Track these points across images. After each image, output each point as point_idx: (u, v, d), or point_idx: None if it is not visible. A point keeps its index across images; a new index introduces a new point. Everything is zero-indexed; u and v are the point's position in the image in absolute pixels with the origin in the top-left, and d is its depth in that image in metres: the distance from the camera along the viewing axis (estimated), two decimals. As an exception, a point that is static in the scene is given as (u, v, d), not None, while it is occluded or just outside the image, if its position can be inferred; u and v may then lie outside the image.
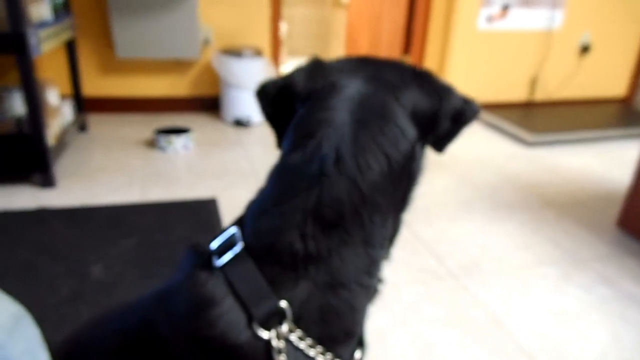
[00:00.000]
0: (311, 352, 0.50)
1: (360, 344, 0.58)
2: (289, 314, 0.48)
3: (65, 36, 2.41)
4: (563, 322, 1.50)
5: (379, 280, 0.57)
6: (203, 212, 2.00)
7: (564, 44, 3.63)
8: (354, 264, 0.51)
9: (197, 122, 3.12)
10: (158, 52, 2.95)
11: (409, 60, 3.62)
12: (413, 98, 0.54)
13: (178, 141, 2.64)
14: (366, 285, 0.53)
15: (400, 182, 0.54)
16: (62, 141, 2.29)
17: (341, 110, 0.52)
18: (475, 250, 1.86)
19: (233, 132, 3.02)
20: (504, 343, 1.40)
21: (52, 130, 2.16)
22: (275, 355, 0.48)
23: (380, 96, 0.53)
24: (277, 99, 0.59)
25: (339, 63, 0.58)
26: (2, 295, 0.48)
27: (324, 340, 0.51)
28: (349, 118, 0.52)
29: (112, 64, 3.07)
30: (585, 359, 1.36)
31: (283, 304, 0.48)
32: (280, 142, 0.62)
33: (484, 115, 3.48)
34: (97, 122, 3.00)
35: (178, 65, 3.18)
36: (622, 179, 2.62)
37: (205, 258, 0.52)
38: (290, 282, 0.49)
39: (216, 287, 0.49)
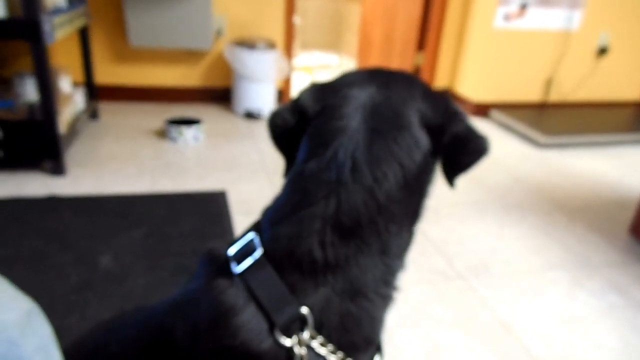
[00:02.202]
0: (332, 359, 0.49)
1: (379, 350, 0.58)
2: (310, 320, 0.48)
3: (79, 23, 2.41)
4: (572, 328, 1.48)
5: (395, 289, 0.56)
6: (212, 204, 2.00)
7: (582, 45, 3.57)
8: (371, 272, 0.51)
9: (208, 113, 3.11)
10: (170, 41, 2.95)
11: (423, 57, 3.59)
12: (424, 109, 0.54)
13: (188, 132, 2.64)
14: (384, 294, 0.53)
15: (414, 193, 0.54)
16: (74, 129, 2.29)
17: (355, 118, 0.52)
18: (484, 252, 1.85)
19: (244, 125, 3.01)
20: (512, 347, 1.39)
21: (64, 117, 2.17)
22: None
23: (394, 104, 0.53)
24: (287, 125, 0.58)
25: (348, 77, 0.58)
26: (14, 291, 0.48)
27: (345, 347, 0.50)
28: (363, 126, 0.52)
29: (125, 53, 3.07)
30: (593, 367, 1.35)
31: (304, 310, 0.48)
32: (288, 170, 0.62)
33: (497, 115, 3.44)
34: (109, 110, 3.01)
35: (190, 56, 3.17)
36: (636, 184, 2.58)
37: (223, 264, 0.52)
38: (310, 289, 0.49)
39: (237, 295, 0.49)
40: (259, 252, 0.51)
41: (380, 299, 0.52)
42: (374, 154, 0.51)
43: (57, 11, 2.07)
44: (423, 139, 0.53)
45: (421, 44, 3.59)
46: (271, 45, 3.03)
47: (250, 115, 3.09)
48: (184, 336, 0.50)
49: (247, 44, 2.97)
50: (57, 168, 2.11)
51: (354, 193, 0.50)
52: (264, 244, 0.52)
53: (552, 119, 3.46)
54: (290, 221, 0.51)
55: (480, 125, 3.39)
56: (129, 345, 0.55)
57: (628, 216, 2.17)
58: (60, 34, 2.04)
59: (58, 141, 2.04)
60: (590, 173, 2.72)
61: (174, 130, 2.63)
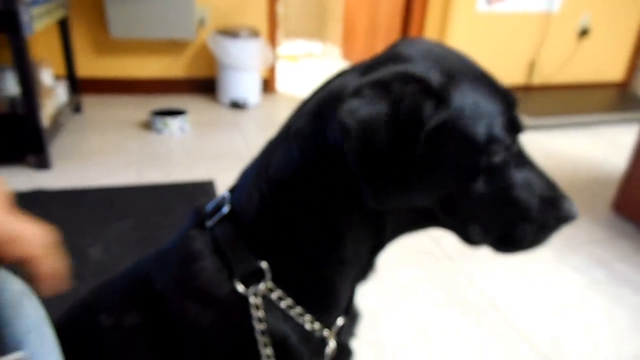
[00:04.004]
0: (291, 312, 0.52)
1: (346, 312, 0.60)
2: (267, 274, 0.51)
3: (58, 15, 2.37)
4: (558, 304, 1.52)
5: (364, 257, 0.56)
6: (200, 194, 1.99)
7: (563, 26, 3.61)
8: (318, 235, 0.52)
9: (193, 104, 3.09)
10: (153, 32, 2.91)
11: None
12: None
13: (174, 123, 2.62)
14: (340, 258, 0.53)
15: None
16: (57, 122, 2.26)
17: (311, 97, 0.53)
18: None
19: (229, 114, 3.00)
20: (500, 324, 1.42)
21: (47, 111, 2.14)
22: (253, 311, 0.50)
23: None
24: None
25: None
26: (7, 273, 0.48)
27: (304, 303, 0.53)
28: (314, 106, 0.52)
29: (107, 44, 3.02)
30: (580, 339, 1.38)
31: (263, 264, 0.51)
32: None
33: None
34: (92, 103, 2.97)
35: (173, 46, 3.14)
36: (618, 163, 2.63)
37: (201, 219, 0.56)
38: (268, 245, 0.52)
39: (203, 244, 0.53)
40: (226, 209, 0.54)
41: (336, 261, 0.53)
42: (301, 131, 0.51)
43: (35, 2, 2.03)
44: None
45: (405, 30, 3.59)
46: (255, 34, 3.01)
47: (236, 105, 3.08)
48: (160, 283, 0.54)
49: (231, 33, 2.94)
50: (41, 162, 2.08)
51: (294, 152, 0.51)
52: (232, 201, 0.55)
53: (536, 101, 3.50)
54: (249, 181, 0.55)
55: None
56: (116, 299, 0.58)
57: (611, 194, 2.22)
58: (39, 26, 2.00)
59: (41, 135, 2.01)
60: (574, 153, 2.77)
61: (159, 122, 2.61)
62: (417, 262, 1.68)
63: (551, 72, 3.77)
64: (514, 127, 0.52)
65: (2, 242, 0.44)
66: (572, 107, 3.37)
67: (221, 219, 0.54)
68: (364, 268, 0.58)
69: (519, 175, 0.52)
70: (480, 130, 0.48)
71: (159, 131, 2.62)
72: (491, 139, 0.48)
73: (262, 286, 0.51)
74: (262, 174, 0.53)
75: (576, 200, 2.29)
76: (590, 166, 2.60)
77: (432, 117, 0.45)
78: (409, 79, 0.45)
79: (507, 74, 3.65)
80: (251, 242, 0.52)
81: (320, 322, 0.55)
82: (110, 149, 2.39)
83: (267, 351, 0.50)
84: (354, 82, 0.48)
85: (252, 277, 0.51)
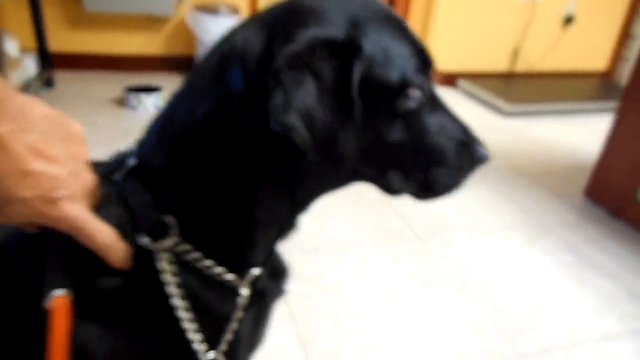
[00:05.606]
0: (198, 265, 0.50)
1: (264, 264, 0.57)
2: (173, 228, 0.48)
3: (27, -16, 2.28)
4: (525, 285, 1.51)
5: (282, 216, 0.54)
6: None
7: (548, 14, 3.59)
8: (226, 193, 0.50)
9: (171, 82, 3.02)
10: (129, 6, 2.82)
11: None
12: None
13: (148, 100, 2.56)
14: (253, 216, 0.51)
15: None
16: (24, 95, 2.19)
17: (212, 53, 0.51)
18: (442, 214, 1.86)
19: (207, 93, 2.94)
20: (467, 304, 1.41)
21: (11, 82, 2.07)
22: (159, 265, 0.48)
23: None
24: None
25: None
26: None
27: (215, 257, 0.51)
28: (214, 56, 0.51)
29: (81, 18, 2.94)
30: (545, 321, 1.38)
31: (169, 218, 0.48)
32: None
33: (464, 84, 3.44)
34: (66, 79, 2.89)
35: (151, 22, 3.06)
36: (595, 150, 2.63)
37: (108, 171, 0.52)
38: (175, 201, 0.49)
39: (105, 195, 0.49)
40: (132, 161, 0.51)
41: (248, 222, 0.51)
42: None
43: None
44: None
45: (390, 13, 3.54)
46: (235, 11, 2.94)
47: (215, 84, 3.01)
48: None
49: (210, 9, 2.87)
50: (6, 135, 2.01)
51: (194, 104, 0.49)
52: (138, 155, 0.52)
53: (518, 88, 3.49)
54: (152, 136, 0.52)
55: (447, 94, 3.40)
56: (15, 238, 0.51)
57: (584, 180, 2.22)
58: (3, -7, 1.93)
59: (5, 106, 1.94)
60: (553, 140, 2.76)
61: (134, 98, 2.55)
62: (386, 240, 1.66)
63: (535, 59, 3.75)
64: (425, 68, 0.51)
65: (69, 232, 0.43)
66: (554, 95, 3.37)
67: (127, 172, 0.51)
68: (284, 227, 0.55)
69: (434, 120, 0.53)
70: (393, 74, 0.47)
71: (133, 108, 2.56)
72: (404, 83, 0.48)
73: (168, 241, 0.48)
74: (166, 129, 0.50)
75: (550, 186, 2.29)
76: (568, 153, 2.60)
77: (354, 72, 0.44)
78: (317, 44, 0.43)
79: (492, 61, 3.63)
80: (157, 196, 0.49)
81: (234, 273, 0.52)
82: (82, 125, 2.31)
83: (179, 304, 0.48)
84: (254, 37, 0.47)
85: (158, 232, 0.48)
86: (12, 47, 2.19)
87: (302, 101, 0.42)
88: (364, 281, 1.46)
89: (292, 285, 1.37)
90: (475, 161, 0.55)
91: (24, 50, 2.46)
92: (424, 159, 0.53)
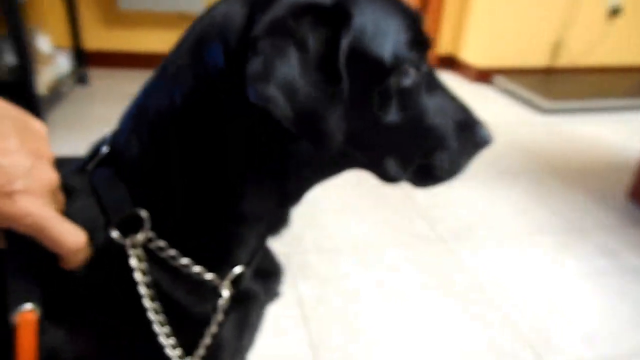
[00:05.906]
0: (174, 264, 0.47)
1: (248, 264, 0.53)
2: (146, 222, 0.45)
3: (62, -17, 2.34)
4: (554, 293, 1.42)
5: (270, 211, 0.50)
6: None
7: (592, 5, 3.39)
8: (206, 186, 0.46)
9: (200, 79, 3.05)
10: (161, 4, 2.86)
11: (425, 22, 3.45)
12: None
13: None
14: (235, 212, 0.47)
15: None
16: (57, 91, 2.25)
17: (190, 32, 0.47)
18: (470, 216, 1.78)
19: (235, 90, 2.95)
20: (487, 310, 1.33)
21: (44, 78, 2.13)
22: (131, 262, 0.44)
23: None
24: None
25: None
26: None
27: (193, 255, 0.47)
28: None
29: (115, 16, 3.00)
30: (573, 330, 1.29)
31: (141, 212, 0.45)
32: None
33: (500, 80, 3.30)
34: (100, 76, 2.96)
35: (182, 20, 3.09)
36: (638, 150, 2.47)
37: (86, 159, 0.50)
38: (150, 194, 0.46)
39: (79, 186, 0.46)
40: (105, 150, 0.48)
41: (230, 217, 0.47)
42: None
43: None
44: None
45: (423, 9, 3.44)
46: (263, 7, 2.93)
47: (243, 81, 3.02)
48: None
49: (239, 5, 2.87)
50: (38, 130, 2.07)
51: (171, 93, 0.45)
52: (112, 145, 0.49)
53: (559, 84, 3.32)
54: (126, 125, 0.48)
55: (482, 91, 3.27)
56: None
57: (627, 181, 2.07)
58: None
59: (36, 101, 2.00)
60: (593, 138, 2.61)
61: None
62: (408, 243, 1.60)
63: (578, 53, 3.56)
64: (421, 44, 0.46)
65: (31, 233, 0.39)
66: (597, 91, 3.18)
67: (100, 162, 0.48)
68: (272, 222, 0.52)
69: (431, 100, 0.48)
70: (385, 49, 0.43)
71: (161, 104, 2.59)
72: (398, 58, 0.43)
73: (140, 236, 0.44)
74: (142, 116, 0.47)
75: (589, 187, 2.16)
76: (608, 152, 2.44)
77: (342, 43, 0.40)
78: (300, 10, 0.39)
79: (531, 56, 3.47)
80: (131, 188, 0.46)
81: (213, 272, 0.49)
82: (114, 120, 2.35)
83: (151, 305, 0.45)
84: (235, 11, 0.42)
85: (130, 226, 0.45)
86: (44, 44, 2.25)
87: (283, 71, 0.38)
88: (383, 286, 1.40)
89: (306, 287, 1.34)
90: (477, 144, 0.52)
91: (58, 47, 2.53)
92: (421, 143, 0.49)
